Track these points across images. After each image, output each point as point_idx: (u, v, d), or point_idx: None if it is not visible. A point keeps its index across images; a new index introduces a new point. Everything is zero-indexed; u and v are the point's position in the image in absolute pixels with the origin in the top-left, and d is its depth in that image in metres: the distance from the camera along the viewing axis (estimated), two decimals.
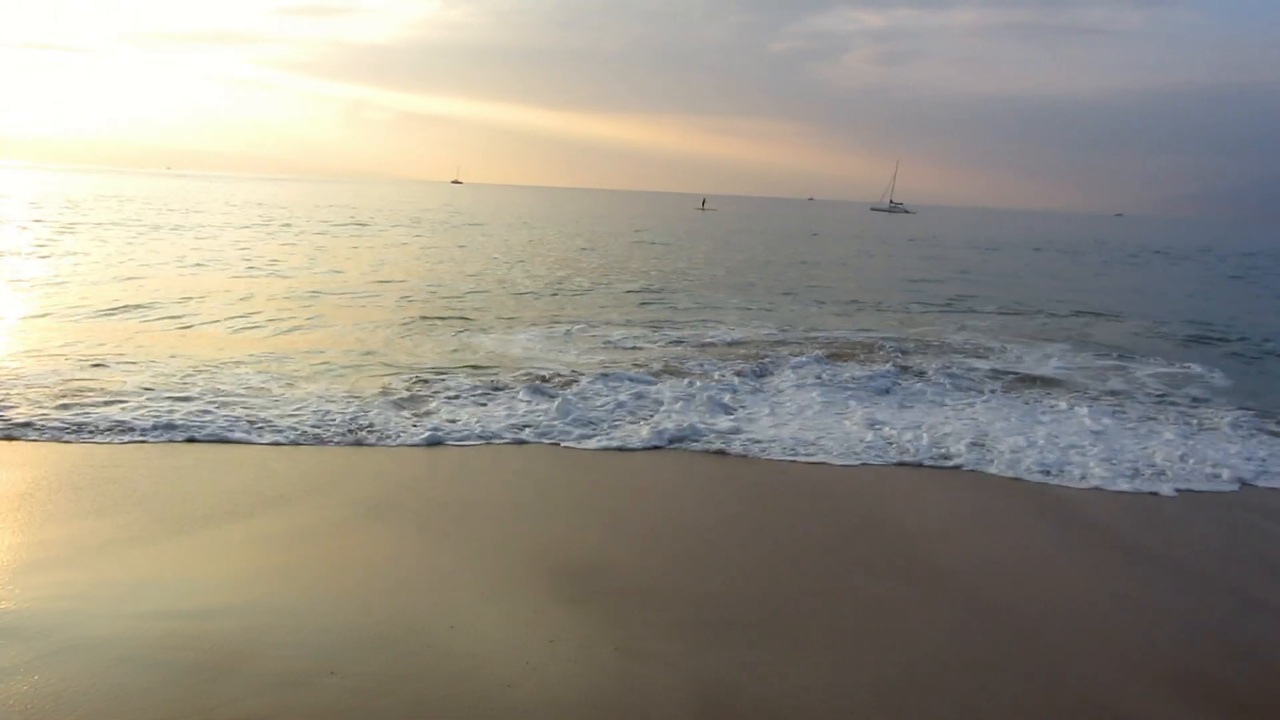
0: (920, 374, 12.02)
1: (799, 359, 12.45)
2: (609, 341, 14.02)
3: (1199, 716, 4.31)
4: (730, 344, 14.10)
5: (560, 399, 9.59)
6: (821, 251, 41.38)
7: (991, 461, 8.35)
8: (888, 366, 12.28)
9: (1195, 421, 10.19)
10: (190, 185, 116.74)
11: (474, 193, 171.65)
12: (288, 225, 41.20)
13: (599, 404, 9.67)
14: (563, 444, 8.40)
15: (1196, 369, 13.65)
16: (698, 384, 10.64)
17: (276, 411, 8.79)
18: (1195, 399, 11.51)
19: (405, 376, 10.70)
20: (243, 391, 9.50)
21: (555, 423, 8.86)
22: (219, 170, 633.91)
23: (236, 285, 18.95)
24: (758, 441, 8.63)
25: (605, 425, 8.94)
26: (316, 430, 8.33)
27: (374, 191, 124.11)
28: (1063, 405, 10.61)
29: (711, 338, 14.66)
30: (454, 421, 8.78)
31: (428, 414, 9.03)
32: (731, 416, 9.47)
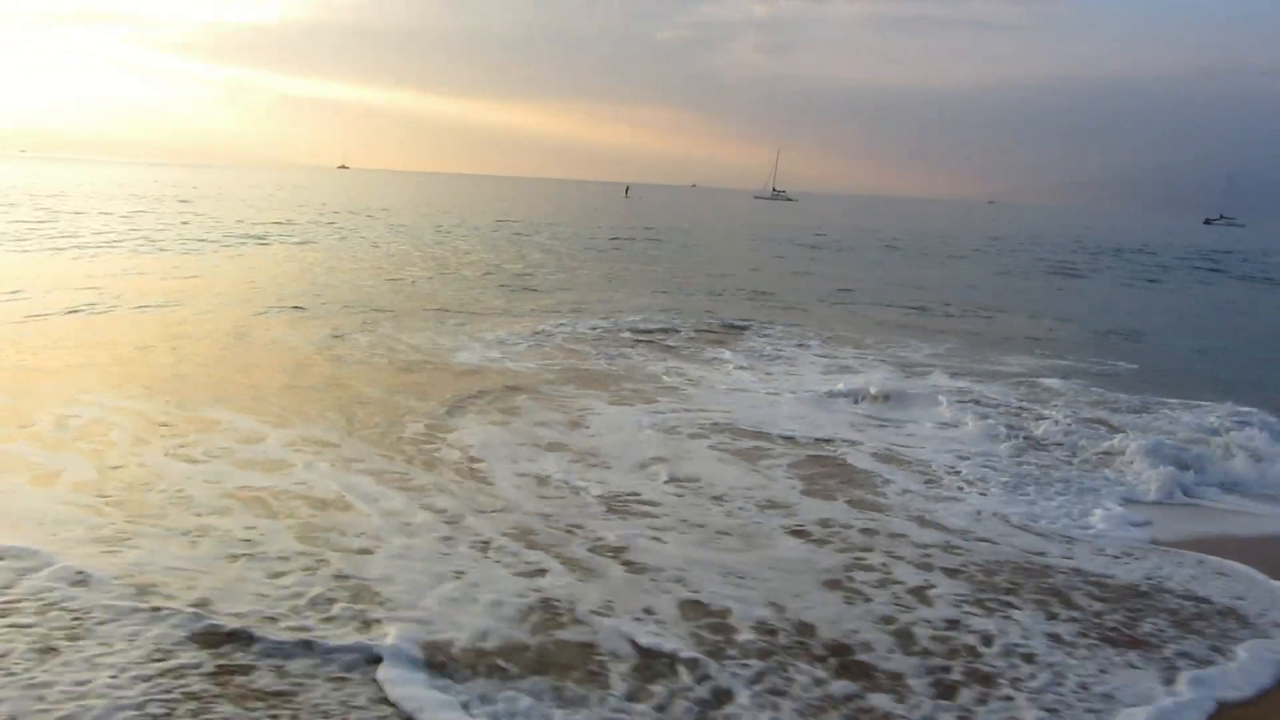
0: None
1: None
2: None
3: None
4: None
5: None
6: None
7: None
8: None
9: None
10: (24, 170, 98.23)
11: (362, 179, 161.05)
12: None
13: None
14: None
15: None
16: None
17: None
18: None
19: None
20: None
21: None
22: (90, 155, 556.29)
23: None
24: None
25: None
26: None
27: (238, 179, 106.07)
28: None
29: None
30: None
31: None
32: None
